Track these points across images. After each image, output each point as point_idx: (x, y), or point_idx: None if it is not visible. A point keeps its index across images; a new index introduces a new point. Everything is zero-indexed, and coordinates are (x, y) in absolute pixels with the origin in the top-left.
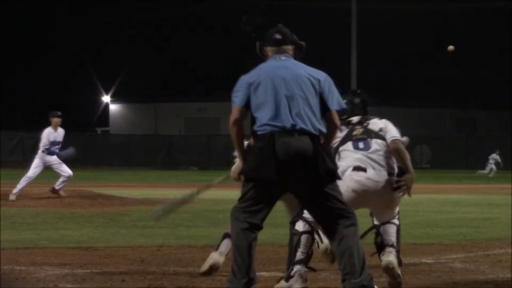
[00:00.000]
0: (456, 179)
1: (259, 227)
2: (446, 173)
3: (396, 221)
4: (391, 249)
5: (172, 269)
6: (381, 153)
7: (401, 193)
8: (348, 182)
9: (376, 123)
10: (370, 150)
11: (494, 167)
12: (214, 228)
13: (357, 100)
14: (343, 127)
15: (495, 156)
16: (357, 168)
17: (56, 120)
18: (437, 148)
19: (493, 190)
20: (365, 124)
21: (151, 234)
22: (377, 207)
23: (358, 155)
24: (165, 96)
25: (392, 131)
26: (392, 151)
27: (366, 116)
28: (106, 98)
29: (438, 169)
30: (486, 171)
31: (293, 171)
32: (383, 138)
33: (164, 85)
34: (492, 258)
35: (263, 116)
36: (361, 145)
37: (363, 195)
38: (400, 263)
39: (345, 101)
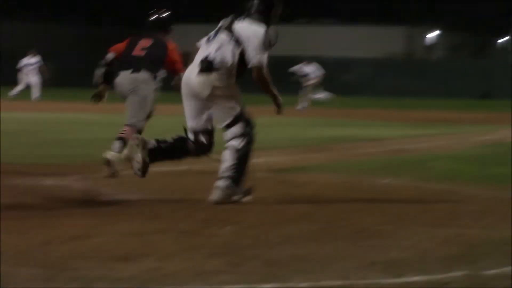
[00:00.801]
0: None
1: None
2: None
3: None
4: (219, 182)
5: None
6: (218, 46)
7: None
8: None
9: (244, 28)
10: (208, 46)
11: None
12: None
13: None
14: None
15: None
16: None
17: None
18: None
19: None
20: (231, 21)
21: None
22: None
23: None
24: None
25: (255, 49)
26: (255, 79)
27: (250, 15)
28: None
29: None
30: None
31: None
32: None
33: None
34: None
35: None
36: (207, 40)
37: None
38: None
39: None
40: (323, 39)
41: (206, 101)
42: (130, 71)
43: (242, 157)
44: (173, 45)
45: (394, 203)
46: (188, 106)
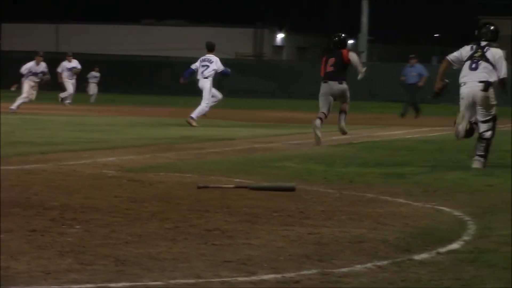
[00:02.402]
0: None
1: None
2: None
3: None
4: (477, 157)
5: None
6: (485, 71)
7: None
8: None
9: (493, 54)
10: (478, 70)
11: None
12: None
13: (487, 28)
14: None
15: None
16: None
17: None
18: None
19: None
20: (485, 50)
21: None
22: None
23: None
24: None
25: (503, 68)
26: (500, 86)
27: (490, 43)
28: None
29: None
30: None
31: None
32: (493, 65)
33: None
34: None
35: None
36: (473, 65)
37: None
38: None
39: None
40: (171, 40)
41: (479, 105)
42: (337, 82)
43: (490, 143)
44: (346, 52)
45: (245, 202)
46: (467, 108)
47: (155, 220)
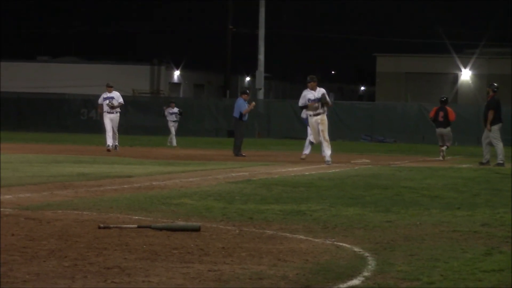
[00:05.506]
0: None
1: None
2: None
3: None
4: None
5: None
6: None
7: None
8: None
9: None
10: None
11: None
12: None
13: None
14: None
15: None
16: None
17: None
18: None
19: None
20: None
21: None
22: None
23: None
24: None
25: None
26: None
27: None
28: None
29: None
30: None
31: None
32: None
33: None
34: None
35: None
36: None
37: None
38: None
39: None
40: (67, 77)
41: None
42: (442, 127)
43: None
44: (450, 109)
45: (143, 239)
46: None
47: (53, 258)
